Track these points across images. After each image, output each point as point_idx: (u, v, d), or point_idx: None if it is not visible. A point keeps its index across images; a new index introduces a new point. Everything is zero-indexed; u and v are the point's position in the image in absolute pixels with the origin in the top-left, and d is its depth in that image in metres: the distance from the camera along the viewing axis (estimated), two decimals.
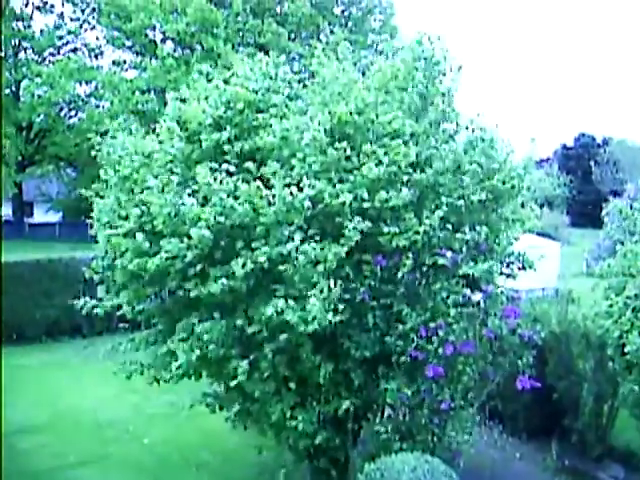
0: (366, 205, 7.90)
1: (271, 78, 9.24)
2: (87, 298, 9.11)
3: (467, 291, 8.55)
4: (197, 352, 7.88)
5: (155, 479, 9.86)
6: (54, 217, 52.34)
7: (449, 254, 8.22)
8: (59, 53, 41.97)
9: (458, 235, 8.28)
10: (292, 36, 34.96)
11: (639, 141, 61.58)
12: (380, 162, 7.93)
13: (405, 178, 8.08)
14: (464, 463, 8.03)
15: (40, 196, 52.26)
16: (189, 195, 7.94)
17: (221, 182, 7.80)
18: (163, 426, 12.06)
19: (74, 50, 42.08)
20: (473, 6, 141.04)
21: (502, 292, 8.74)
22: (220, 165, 8.19)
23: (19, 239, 40.26)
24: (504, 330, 8.22)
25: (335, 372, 8.23)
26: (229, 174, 8.04)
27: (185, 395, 9.27)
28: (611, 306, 9.42)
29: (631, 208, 11.60)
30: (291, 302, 7.43)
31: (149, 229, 8.13)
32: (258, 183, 7.76)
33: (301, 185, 7.79)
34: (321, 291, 7.38)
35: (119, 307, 9.00)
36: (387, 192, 7.90)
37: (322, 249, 7.61)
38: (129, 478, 9.90)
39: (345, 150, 7.96)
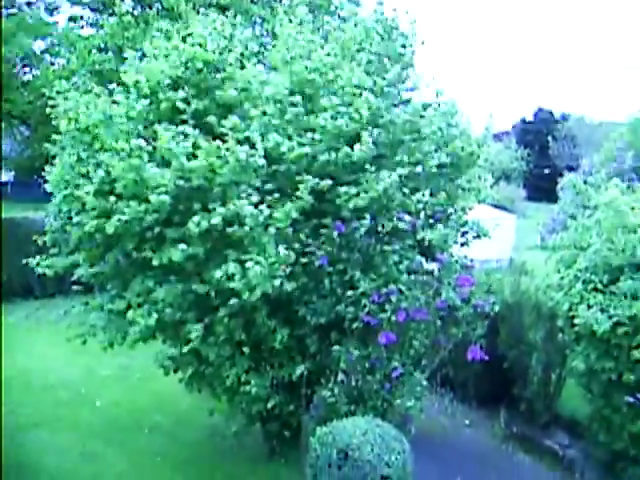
0: (324, 158, 7.83)
1: (226, 38, 9.10)
2: (40, 258, 8.96)
3: (422, 259, 8.63)
4: (154, 316, 7.83)
5: (106, 441, 9.80)
6: (5, 176, 51.14)
7: (407, 218, 8.24)
8: (12, 7, 40.67)
9: (416, 197, 8.29)
10: None
11: (596, 118, 62.40)
12: (340, 114, 7.90)
13: (366, 134, 8.00)
14: (415, 429, 8.14)
15: None
16: (149, 160, 7.82)
17: (178, 144, 7.68)
18: (116, 389, 11.99)
19: (29, 4, 40.83)
20: None
21: (456, 261, 8.84)
22: (177, 126, 8.07)
23: None
24: (457, 300, 8.32)
25: (290, 337, 8.27)
26: (186, 136, 7.93)
27: (138, 358, 9.22)
28: (562, 279, 9.58)
29: (585, 183, 11.77)
30: (239, 267, 7.38)
31: (107, 190, 7.99)
32: (218, 142, 7.67)
33: (256, 143, 7.71)
34: (267, 257, 7.33)
35: (74, 268, 8.87)
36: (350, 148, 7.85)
37: (273, 210, 7.56)
38: (80, 440, 9.82)
39: (305, 107, 7.93)
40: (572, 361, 9.27)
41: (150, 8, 28.66)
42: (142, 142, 7.81)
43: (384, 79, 8.54)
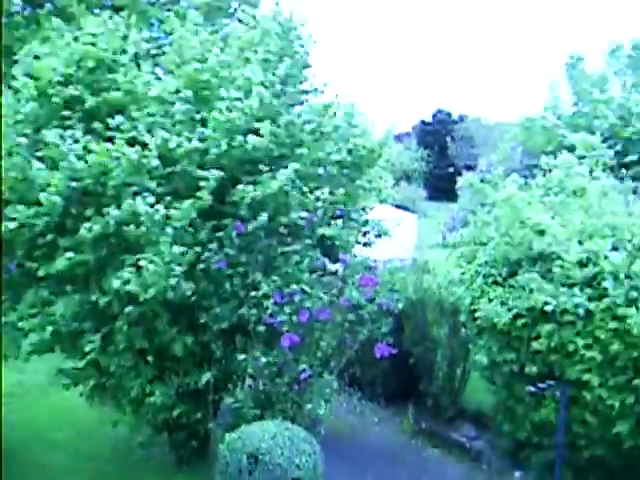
0: (216, 151, 7.73)
1: (120, 38, 8.88)
2: None
3: (325, 260, 8.63)
4: (50, 329, 7.53)
5: (6, 458, 9.35)
6: None
7: (305, 214, 8.21)
8: None
9: (314, 195, 8.29)
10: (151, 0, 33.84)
11: (492, 119, 64.38)
12: (235, 107, 7.85)
13: (266, 124, 7.97)
14: (324, 429, 8.11)
15: None
16: (38, 159, 7.51)
17: (66, 144, 7.42)
18: (13, 404, 11.43)
19: None
20: None
21: (360, 261, 8.89)
22: (67, 127, 7.81)
23: None
24: (361, 299, 8.34)
25: (194, 344, 8.12)
26: (76, 141, 7.68)
27: (36, 372, 8.81)
28: (463, 274, 9.76)
29: (482, 181, 12.05)
30: (134, 271, 7.19)
31: None
32: (108, 145, 7.44)
33: (149, 144, 7.56)
34: (162, 256, 7.18)
35: None
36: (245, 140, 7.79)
37: (169, 209, 7.43)
38: None
39: (198, 106, 7.81)
40: (475, 355, 9.46)
41: (41, 7, 27.65)
42: (23, 140, 7.54)
43: (274, 74, 8.49)
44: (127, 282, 7.18)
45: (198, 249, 7.71)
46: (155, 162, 7.49)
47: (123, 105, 8.19)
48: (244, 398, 7.89)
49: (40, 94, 8.33)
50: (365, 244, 9.69)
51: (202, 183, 7.55)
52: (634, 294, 7.94)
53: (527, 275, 8.60)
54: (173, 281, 7.21)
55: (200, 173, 7.60)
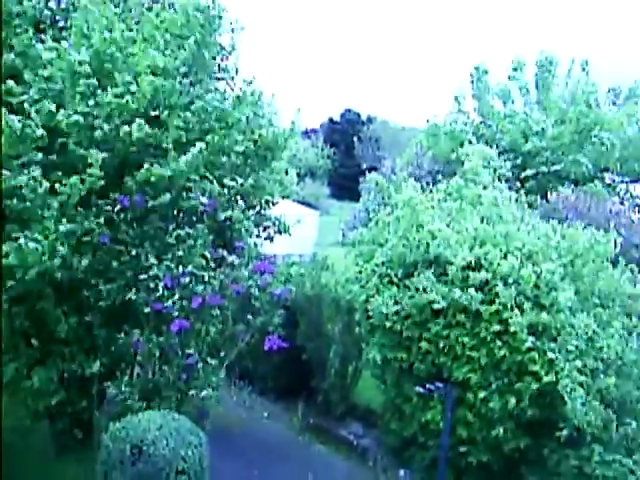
0: (102, 131, 7.54)
1: (19, 3, 8.56)
2: None
3: (222, 251, 8.52)
4: None
5: None
6: None
7: (204, 199, 8.12)
8: None
9: (224, 181, 8.23)
10: None
11: (400, 123, 65.43)
12: (130, 92, 7.67)
13: (153, 114, 7.87)
14: (213, 422, 8.01)
15: None
16: None
17: None
18: None
19: None
20: None
21: (257, 252, 8.85)
22: None
23: None
24: (254, 287, 8.29)
25: (80, 327, 7.85)
26: None
27: None
28: (360, 272, 9.86)
29: (388, 182, 12.22)
30: (14, 244, 6.90)
31: None
32: None
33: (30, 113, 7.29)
34: (46, 234, 6.94)
35: None
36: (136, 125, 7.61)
37: (55, 182, 7.19)
38: None
39: (98, 81, 7.59)
40: (368, 352, 9.56)
41: None
42: None
43: (176, 59, 8.32)
44: (5, 256, 6.91)
45: (87, 225, 7.50)
46: (39, 132, 7.21)
47: (17, 68, 7.87)
48: (131, 387, 7.70)
49: None
50: (266, 238, 9.63)
51: (91, 160, 7.33)
52: (521, 298, 8.24)
53: (421, 277, 8.77)
54: (58, 261, 6.97)
55: (83, 152, 7.39)
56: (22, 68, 7.85)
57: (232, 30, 9.32)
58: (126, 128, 7.57)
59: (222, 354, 8.35)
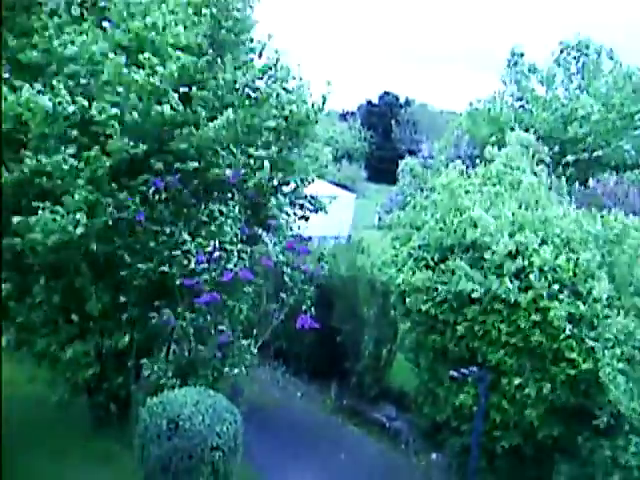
0: (130, 118, 7.64)
1: None
2: None
3: (255, 228, 8.55)
4: None
5: None
6: None
7: (229, 172, 8.14)
8: None
9: (250, 151, 8.23)
10: None
11: (438, 106, 64.87)
12: (155, 72, 7.74)
13: (182, 91, 7.96)
14: (247, 400, 8.11)
15: None
16: None
17: None
18: None
19: None
20: None
21: (288, 226, 8.87)
22: None
23: None
24: (287, 265, 8.32)
25: (115, 303, 7.98)
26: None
27: None
28: (396, 255, 9.82)
29: (425, 167, 12.16)
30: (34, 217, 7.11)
31: None
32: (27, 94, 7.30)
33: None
34: (67, 206, 7.14)
35: None
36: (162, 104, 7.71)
37: (82, 161, 7.37)
38: None
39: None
40: (402, 336, 9.54)
41: None
42: None
43: (197, 35, 8.33)
44: (31, 228, 7.10)
45: (122, 197, 7.65)
46: (71, 108, 7.33)
47: (41, 66, 8.01)
48: (166, 364, 7.81)
49: None
50: (301, 217, 9.64)
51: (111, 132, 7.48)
52: (556, 287, 8.16)
53: (458, 261, 8.71)
54: (80, 230, 7.12)
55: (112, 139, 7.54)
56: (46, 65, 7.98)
57: (250, 5, 9.21)
58: (157, 107, 7.63)
59: (255, 332, 8.42)
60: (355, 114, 66.17)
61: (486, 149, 11.21)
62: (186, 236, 7.85)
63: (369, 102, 69.58)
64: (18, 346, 8.45)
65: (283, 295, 8.38)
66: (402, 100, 69.32)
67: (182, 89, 7.93)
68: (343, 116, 63.00)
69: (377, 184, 50.28)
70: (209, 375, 7.86)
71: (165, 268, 7.81)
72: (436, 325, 9.01)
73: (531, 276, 8.18)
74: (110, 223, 7.57)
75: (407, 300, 9.16)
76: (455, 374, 8.49)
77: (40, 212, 7.05)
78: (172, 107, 7.74)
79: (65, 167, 7.15)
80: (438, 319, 8.93)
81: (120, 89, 7.67)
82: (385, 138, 63.50)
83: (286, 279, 8.29)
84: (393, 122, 63.24)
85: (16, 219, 7.10)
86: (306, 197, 9.64)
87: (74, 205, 7.12)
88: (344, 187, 32.02)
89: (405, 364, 10.61)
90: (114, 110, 7.51)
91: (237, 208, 8.18)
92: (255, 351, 8.24)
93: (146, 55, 7.78)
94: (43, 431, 8.98)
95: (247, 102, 8.38)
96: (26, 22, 8.20)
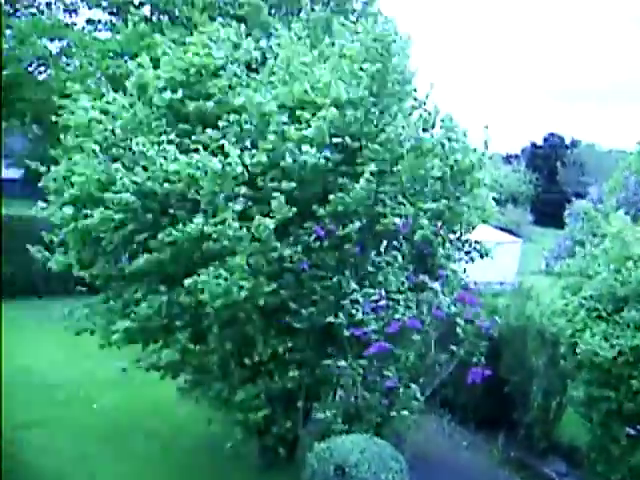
0: (289, 164, 7.90)
1: (234, 47, 9.29)
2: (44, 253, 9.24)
3: (425, 276, 8.58)
4: (134, 323, 8.12)
5: (103, 444, 9.80)
6: (15, 173, 51.31)
7: (397, 220, 8.21)
8: (32, 6, 40.90)
9: (419, 205, 8.31)
10: (272, 11, 34.48)
11: (606, 145, 62.45)
12: (308, 125, 8.00)
13: (340, 141, 8.14)
14: (411, 448, 8.09)
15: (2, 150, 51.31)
16: (123, 165, 8.15)
17: (158, 152, 8.00)
18: (114, 392, 11.96)
19: (48, 4, 41.06)
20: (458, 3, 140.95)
21: (458, 277, 8.82)
22: (168, 130, 8.45)
23: None
24: (459, 315, 8.28)
25: (285, 349, 8.30)
26: (170, 142, 8.22)
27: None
28: (567, 305, 9.58)
29: (595, 211, 11.80)
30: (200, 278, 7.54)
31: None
32: (195, 156, 7.83)
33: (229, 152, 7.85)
34: (232, 271, 7.51)
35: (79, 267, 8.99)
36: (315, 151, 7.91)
37: (250, 219, 7.69)
38: (78, 441, 9.82)
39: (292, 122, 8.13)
40: (573, 389, 9.24)
41: (168, 16, 28.89)
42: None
43: (359, 86, 8.52)
44: (200, 290, 7.54)
45: (287, 252, 7.93)
46: (239, 169, 7.78)
47: (216, 115, 8.54)
48: (334, 409, 7.98)
49: (144, 102, 8.92)
50: (467, 261, 9.59)
51: (276, 194, 7.75)
52: None
53: (634, 313, 8.39)
54: (243, 293, 7.48)
55: (272, 185, 7.88)
56: (217, 114, 8.50)
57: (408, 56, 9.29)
58: (307, 157, 7.88)
59: (422, 380, 8.43)
60: (519, 157, 64.96)
61: None
62: (354, 285, 8.01)
63: (533, 144, 68.14)
64: (194, 387, 8.92)
65: (453, 347, 8.34)
66: (567, 141, 67.31)
67: (335, 140, 8.16)
68: (507, 159, 62.00)
69: (543, 227, 49.07)
70: (373, 421, 7.93)
71: (332, 319, 7.98)
72: (610, 379, 8.66)
73: None
74: (274, 276, 7.89)
75: (578, 352, 8.88)
76: (631, 431, 8.11)
77: (204, 276, 7.48)
78: (327, 158, 7.99)
79: (229, 232, 7.53)
80: (612, 373, 8.58)
81: (272, 137, 8.03)
82: (551, 180, 61.81)
83: (458, 331, 8.25)
84: (559, 164, 61.47)
85: (187, 281, 7.57)
86: (470, 243, 9.58)
87: (237, 268, 7.49)
88: (509, 231, 31.46)
89: (575, 417, 10.22)
90: (264, 158, 7.90)
91: (404, 257, 8.26)
92: (421, 398, 8.25)
93: (304, 113, 8.12)
94: (215, 467, 9.43)
95: (412, 153, 8.51)
96: (206, 87, 8.82)
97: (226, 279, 7.46)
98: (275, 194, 7.70)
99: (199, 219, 7.62)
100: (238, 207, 7.69)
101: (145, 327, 8.26)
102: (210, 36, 9.23)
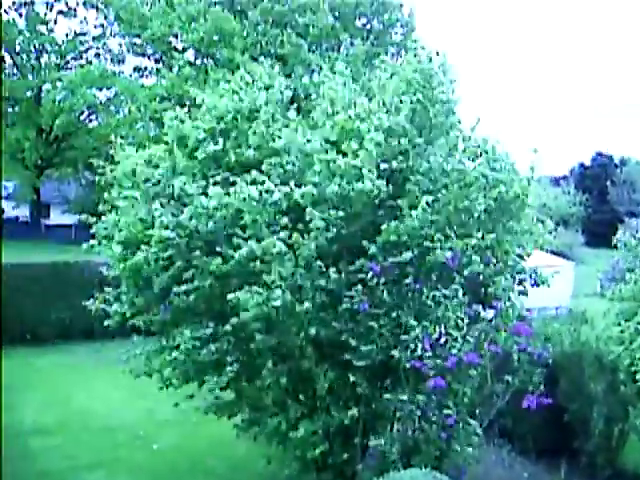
0: (333, 192, 7.98)
1: (265, 89, 9.48)
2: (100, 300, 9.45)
3: (479, 307, 8.53)
4: (182, 357, 8.34)
5: None
6: (70, 219, 52.68)
7: (448, 253, 8.13)
8: (82, 58, 42.25)
9: (465, 241, 8.28)
10: (312, 48, 35.01)
11: None
12: (356, 155, 8.05)
13: (383, 166, 8.20)
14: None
15: (57, 198, 52.68)
16: (162, 205, 8.43)
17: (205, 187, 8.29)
18: (172, 432, 12.11)
19: (97, 55, 42.39)
20: (495, 20, 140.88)
21: (513, 309, 8.71)
22: (211, 177, 8.69)
23: (36, 240, 40.56)
24: (514, 347, 8.20)
25: (341, 383, 8.29)
26: (216, 183, 8.45)
27: (195, 402, 9.28)
28: (622, 332, 9.41)
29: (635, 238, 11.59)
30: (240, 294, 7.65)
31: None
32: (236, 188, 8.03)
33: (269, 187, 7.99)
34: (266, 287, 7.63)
35: (132, 315, 9.22)
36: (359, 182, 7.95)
37: (291, 245, 7.79)
38: None
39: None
40: (635, 417, 9.03)
41: (212, 59, 29.58)
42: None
43: (414, 125, 8.59)
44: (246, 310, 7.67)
45: (333, 282, 7.97)
46: (276, 196, 7.91)
47: (256, 160, 8.71)
48: (391, 443, 7.94)
49: (183, 154, 9.20)
50: (520, 292, 9.45)
51: (313, 225, 7.83)
52: None
53: None
54: (274, 303, 7.56)
55: (312, 212, 7.89)
56: (259, 159, 8.68)
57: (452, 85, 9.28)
58: (359, 185, 7.93)
59: (478, 412, 8.34)
60: (568, 178, 64.17)
61: None
62: (412, 321, 8.01)
63: (581, 164, 67.30)
64: (251, 425, 8.99)
65: (508, 377, 8.26)
66: (616, 159, 66.34)
67: (383, 165, 8.23)
68: (555, 181, 61.31)
69: (595, 249, 48.23)
70: (432, 455, 7.88)
71: (395, 351, 7.94)
72: None
73: None
74: (322, 306, 7.99)
75: (638, 379, 8.71)
76: None
77: (241, 292, 7.63)
78: (379, 188, 8.02)
79: (274, 250, 7.65)
80: None
81: (317, 167, 8.15)
82: (601, 201, 60.87)
83: (512, 362, 8.18)
84: (609, 183, 60.53)
85: (230, 296, 7.70)
86: (525, 272, 9.44)
87: (271, 283, 7.62)
88: (561, 254, 30.99)
89: (638, 445, 9.98)
90: (309, 188, 7.96)
91: (460, 292, 8.23)
92: (481, 432, 8.16)
93: (350, 144, 8.18)
94: None
95: (456, 185, 8.50)
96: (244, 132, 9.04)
97: (259, 293, 7.60)
98: (315, 218, 7.80)
99: (250, 242, 7.80)
100: (282, 235, 7.81)
101: (195, 360, 8.39)
102: (247, 78, 9.48)
